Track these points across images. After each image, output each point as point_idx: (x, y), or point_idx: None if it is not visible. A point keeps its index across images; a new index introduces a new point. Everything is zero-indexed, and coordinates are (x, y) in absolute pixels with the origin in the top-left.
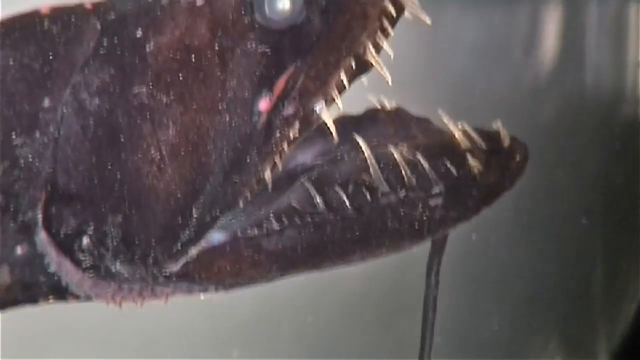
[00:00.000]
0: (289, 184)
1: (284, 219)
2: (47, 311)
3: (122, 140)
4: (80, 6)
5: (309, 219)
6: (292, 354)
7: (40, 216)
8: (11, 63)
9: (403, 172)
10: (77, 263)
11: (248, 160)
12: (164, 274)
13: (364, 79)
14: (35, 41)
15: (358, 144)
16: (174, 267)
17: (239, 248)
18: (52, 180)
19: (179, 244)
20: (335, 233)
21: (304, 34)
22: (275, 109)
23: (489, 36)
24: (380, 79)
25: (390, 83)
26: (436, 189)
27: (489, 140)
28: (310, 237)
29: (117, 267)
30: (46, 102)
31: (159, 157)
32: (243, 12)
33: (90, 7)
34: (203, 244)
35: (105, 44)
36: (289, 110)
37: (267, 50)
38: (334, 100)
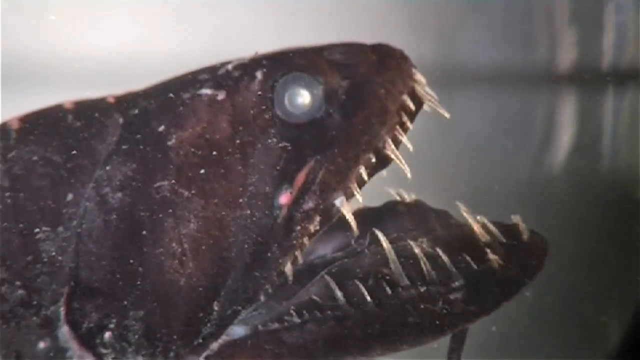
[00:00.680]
0: (310, 277)
1: (304, 313)
2: None
3: (144, 234)
4: (103, 100)
5: (330, 313)
6: None
7: (63, 311)
8: (35, 158)
9: (423, 266)
10: (99, 357)
11: (269, 254)
12: None
13: (383, 172)
14: (58, 136)
15: (378, 237)
16: None
17: (260, 342)
18: (74, 275)
19: (201, 338)
20: (356, 327)
21: (323, 128)
22: (295, 202)
23: (508, 125)
24: (400, 172)
25: (409, 176)
26: (456, 283)
27: (508, 234)
28: (331, 331)
29: None
30: (69, 197)
31: (180, 251)
32: (264, 107)
33: (113, 102)
34: (224, 337)
35: (127, 138)
36: (309, 204)
37: (288, 144)
38: (354, 194)
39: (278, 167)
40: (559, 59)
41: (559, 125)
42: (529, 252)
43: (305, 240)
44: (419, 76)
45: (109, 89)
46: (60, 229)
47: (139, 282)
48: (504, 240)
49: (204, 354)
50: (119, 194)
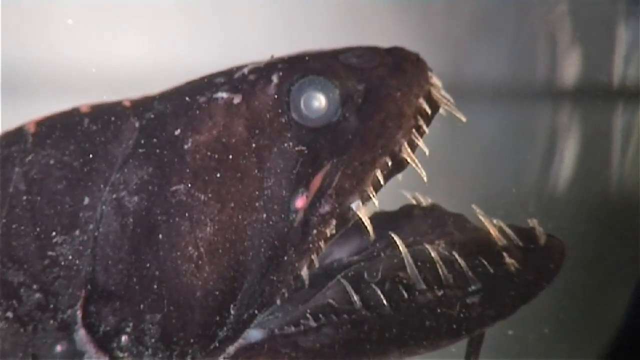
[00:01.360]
0: (326, 281)
1: (321, 317)
2: None
3: (161, 238)
4: (119, 104)
5: (346, 317)
6: None
7: (80, 314)
8: (52, 162)
9: (439, 269)
10: None
11: (285, 258)
12: None
13: (399, 176)
14: (75, 140)
15: (394, 241)
16: None
17: (277, 345)
18: (91, 279)
19: (217, 342)
20: (372, 331)
21: (339, 131)
22: (311, 206)
23: (523, 139)
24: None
25: (425, 180)
26: (473, 287)
27: (525, 237)
28: (347, 335)
29: None
30: (86, 201)
31: (197, 255)
32: (280, 111)
33: (129, 105)
34: (241, 341)
35: (143, 142)
36: (325, 207)
37: (304, 148)
38: (370, 197)
39: (294, 171)
40: (569, 75)
41: (568, 140)
42: (546, 256)
43: (322, 244)
44: (434, 79)
45: (126, 94)
46: (77, 232)
47: (155, 286)
48: (521, 244)
49: (221, 358)
50: (136, 198)
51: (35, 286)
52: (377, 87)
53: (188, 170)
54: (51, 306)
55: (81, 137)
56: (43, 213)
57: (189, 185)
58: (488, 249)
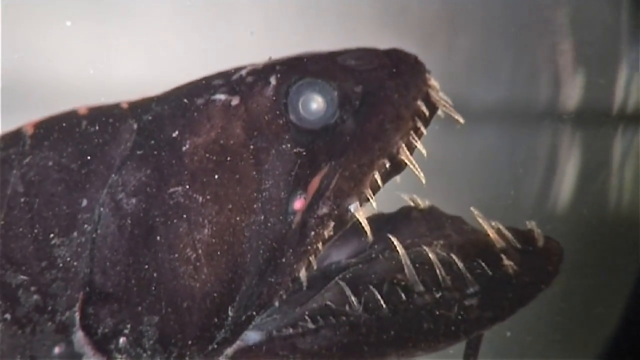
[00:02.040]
0: (324, 283)
1: (319, 319)
2: None
3: (159, 240)
4: (117, 106)
5: (344, 319)
6: None
7: (77, 316)
8: (49, 164)
9: (438, 272)
10: None
11: (283, 260)
12: None
13: (397, 178)
14: (73, 142)
15: (392, 243)
16: None
17: (275, 347)
18: (89, 280)
19: (215, 344)
20: (370, 333)
21: (337, 134)
22: (309, 208)
23: (525, 161)
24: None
25: (424, 182)
26: (471, 289)
27: (523, 239)
28: (345, 337)
29: None
30: (84, 203)
31: (194, 257)
32: (277, 113)
33: (127, 107)
34: (239, 343)
35: (141, 144)
36: (323, 209)
37: (302, 150)
38: (368, 199)
39: (292, 173)
40: (569, 98)
41: (568, 162)
42: (544, 258)
43: (320, 245)
44: (432, 81)
45: (124, 96)
46: (75, 234)
47: (153, 288)
48: (519, 246)
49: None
50: (133, 200)
51: (33, 288)
52: (375, 89)
53: (186, 172)
54: (49, 308)
55: (79, 139)
56: (41, 215)
57: (187, 187)
58: (486, 251)
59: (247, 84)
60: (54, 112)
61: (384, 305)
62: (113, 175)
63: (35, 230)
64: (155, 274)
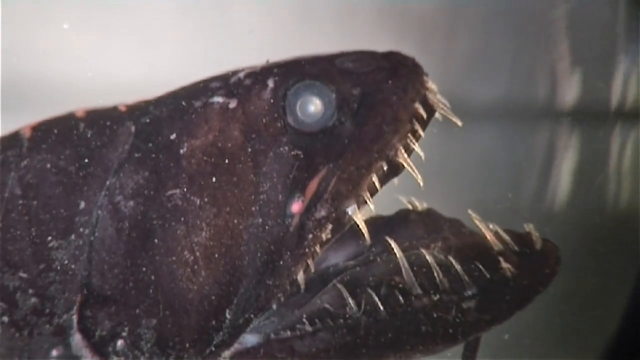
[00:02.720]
0: (322, 285)
1: (316, 321)
2: None
3: (156, 242)
4: (114, 109)
5: (342, 321)
6: None
7: (75, 319)
8: (47, 167)
9: (435, 274)
10: None
11: (281, 262)
12: None
13: (395, 180)
14: (71, 145)
15: (390, 245)
16: None
17: (272, 350)
18: (87, 283)
19: (213, 346)
20: (368, 335)
21: (335, 136)
22: (307, 211)
23: (522, 158)
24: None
25: (422, 185)
26: (469, 292)
27: (521, 242)
28: (343, 340)
29: None
30: (81, 205)
31: (192, 259)
32: (275, 115)
33: (125, 110)
34: (236, 346)
35: (139, 146)
36: (321, 212)
37: (299, 152)
38: (366, 202)
39: (290, 176)
40: (568, 96)
41: (566, 159)
42: (542, 261)
43: (317, 248)
44: (430, 84)
45: (122, 98)
46: (73, 237)
47: (151, 291)
48: (517, 249)
49: None
50: (131, 202)
51: (31, 291)
52: (373, 92)
53: (184, 175)
54: (47, 311)
55: (77, 141)
56: (39, 217)
57: (185, 189)
58: (484, 253)
59: (244, 87)
60: (52, 115)
61: (382, 308)
62: (111, 178)
63: (33, 233)
64: (153, 277)
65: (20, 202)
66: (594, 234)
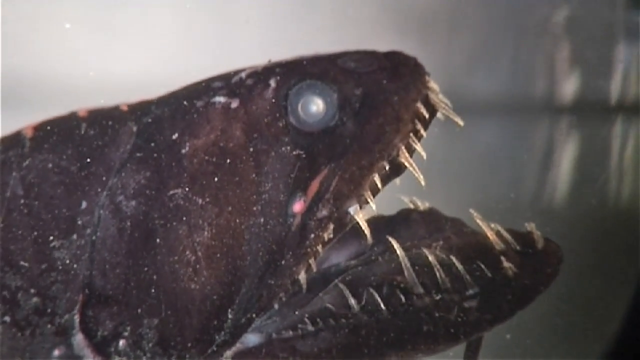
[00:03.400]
0: (323, 285)
1: (318, 321)
2: None
3: (158, 242)
4: (116, 108)
5: (344, 321)
6: None
7: (77, 318)
8: (49, 166)
9: (437, 274)
10: None
11: (283, 262)
12: None
13: (396, 180)
14: (72, 145)
15: (391, 245)
16: None
17: (274, 350)
18: (89, 283)
19: (215, 346)
20: (370, 335)
21: (337, 136)
22: (309, 211)
23: (523, 153)
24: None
25: (423, 185)
26: (470, 291)
27: (523, 241)
28: (345, 339)
29: None
30: (83, 205)
31: (194, 259)
32: (277, 115)
33: (127, 110)
34: (238, 345)
35: (141, 146)
36: (322, 212)
37: (301, 152)
38: (368, 201)
39: (291, 175)
40: (568, 91)
41: (566, 153)
42: (543, 260)
43: (319, 248)
44: (432, 84)
45: (124, 98)
46: (75, 237)
47: (153, 290)
48: (519, 248)
49: None
50: (133, 202)
51: (32, 290)
52: (375, 92)
53: (186, 175)
54: (49, 310)
55: (79, 141)
56: (40, 217)
57: (187, 189)
58: (485, 253)
59: (246, 87)
60: (54, 114)
61: (384, 308)
62: (113, 178)
63: (35, 233)
64: (154, 277)
65: (22, 202)
66: (596, 231)
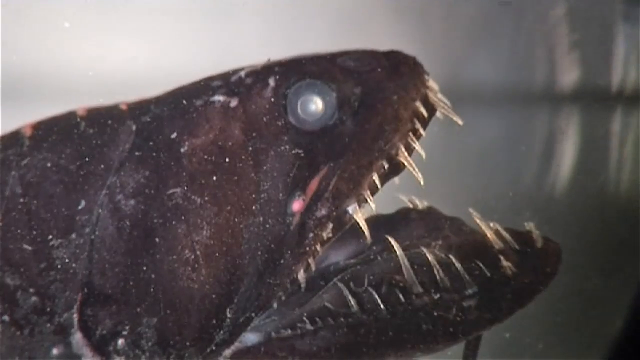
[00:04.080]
0: (323, 284)
1: (317, 320)
2: None
3: (157, 241)
4: (115, 107)
5: (343, 320)
6: None
7: (76, 317)
8: (48, 165)
9: (436, 273)
10: None
11: (282, 261)
12: None
13: (395, 179)
14: (71, 143)
15: (390, 244)
16: None
17: (273, 349)
18: (88, 282)
19: (214, 345)
20: (369, 334)
21: (336, 135)
22: (308, 210)
23: (521, 143)
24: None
25: (422, 183)
26: (469, 290)
27: (522, 240)
28: (344, 338)
29: None
30: (82, 204)
31: (193, 258)
32: (276, 114)
33: (126, 109)
34: (237, 344)
35: (140, 145)
36: (322, 211)
37: (300, 151)
38: (367, 201)
39: (290, 175)
40: (567, 79)
41: (566, 143)
42: (542, 259)
43: (318, 247)
44: (431, 83)
45: (123, 97)
46: (73, 236)
47: (151, 289)
48: (518, 247)
49: None
50: (132, 201)
51: (31, 289)
52: (374, 91)
53: (185, 174)
54: (47, 309)
55: (77, 140)
56: (39, 216)
57: (186, 188)
58: (484, 252)
59: (245, 86)
60: (53, 113)
61: (383, 307)
62: (112, 177)
63: (34, 232)
64: (153, 276)
65: (21, 200)
66: (597, 228)
